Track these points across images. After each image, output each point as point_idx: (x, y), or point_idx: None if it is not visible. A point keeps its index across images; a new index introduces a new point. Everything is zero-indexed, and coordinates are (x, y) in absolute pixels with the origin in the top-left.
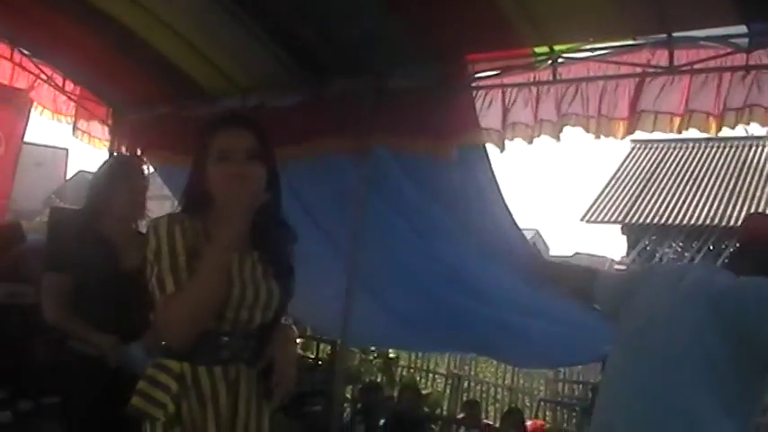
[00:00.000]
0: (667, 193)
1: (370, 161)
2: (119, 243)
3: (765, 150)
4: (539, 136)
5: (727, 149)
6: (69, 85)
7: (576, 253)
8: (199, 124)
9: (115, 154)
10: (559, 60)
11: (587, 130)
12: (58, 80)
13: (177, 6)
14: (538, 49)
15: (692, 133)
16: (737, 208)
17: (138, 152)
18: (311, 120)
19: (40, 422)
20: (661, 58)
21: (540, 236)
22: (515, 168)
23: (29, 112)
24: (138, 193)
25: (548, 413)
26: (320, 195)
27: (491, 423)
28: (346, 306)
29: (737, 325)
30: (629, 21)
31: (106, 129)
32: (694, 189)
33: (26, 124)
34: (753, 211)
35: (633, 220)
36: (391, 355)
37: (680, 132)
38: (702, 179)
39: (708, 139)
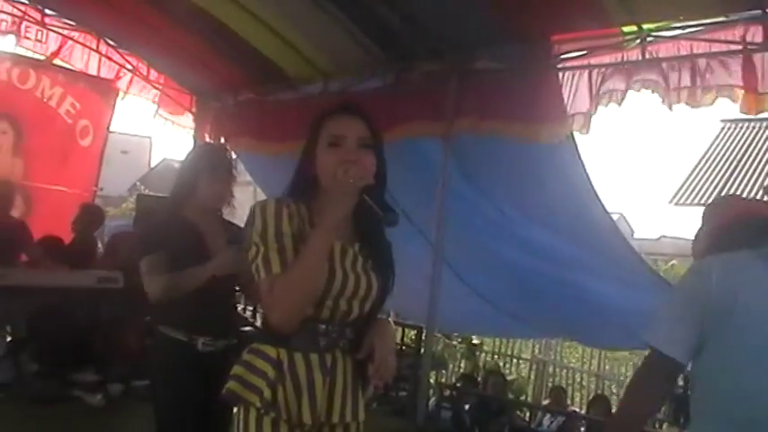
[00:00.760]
0: (759, 174)
1: (455, 145)
2: (205, 231)
3: None
4: (624, 115)
5: None
6: (153, 74)
7: (662, 236)
8: (281, 110)
9: (201, 142)
10: (648, 39)
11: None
12: (143, 70)
13: None
14: (626, 28)
15: None
16: None
17: (222, 139)
18: (394, 104)
19: (131, 405)
20: (756, 34)
21: (625, 219)
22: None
23: (115, 101)
24: (224, 183)
25: None
26: (404, 180)
27: (577, 410)
28: (432, 291)
29: None
30: None
31: (190, 116)
32: None
33: (112, 114)
34: None
35: None
36: (475, 341)
37: None
38: None
39: None
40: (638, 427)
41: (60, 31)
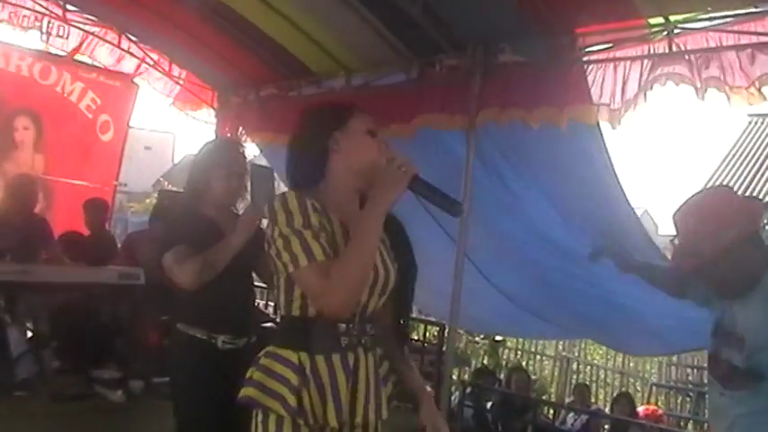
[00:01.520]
0: None
1: (479, 138)
2: (222, 225)
3: None
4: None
5: None
6: (175, 70)
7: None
8: (304, 105)
9: (214, 137)
10: (675, 31)
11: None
12: (165, 65)
13: None
14: (652, 20)
15: None
16: None
17: (243, 134)
18: (417, 98)
19: (152, 401)
20: None
21: (649, 215)
22: (628, 145)
23: (135, 96)
24: (237, 178)
25: (660, 398)
26: (425, 174)
27: (601, 407)
28: (455, 287)
29: None
30: None
31: (212, 111)
32: None
33: (132, 109)
34: None
35: None
36: (498, 338)
37: None
38: None
39: None
40: None
41: (82, 26)
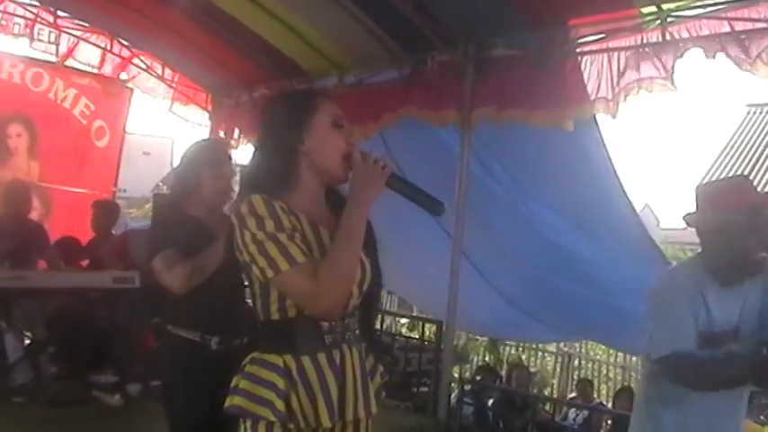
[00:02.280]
0: None
1: (474, 135)
2: (210, 226)
3: None
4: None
5: None
6: (168, 73)
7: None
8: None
9: (203, 138)
10: (668, 20)
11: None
12: (158, 69)
13: None
14: (645, 9)
15: None
16: None
17: (237, 135)
18: (411, 94)
19: (149, 405)
20: None
21: (650, 209)
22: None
23: (130, 101)
24: (227, 178)
25: None
26: (422, 171)
27: (603, 403)
28: (451, 284)
29: None
30: None
31: (206, 114)
32: None
33: (128, 114)
34: None
35: None
36: None
37: None
38: None
39: None
40: None
41: (73, 32)
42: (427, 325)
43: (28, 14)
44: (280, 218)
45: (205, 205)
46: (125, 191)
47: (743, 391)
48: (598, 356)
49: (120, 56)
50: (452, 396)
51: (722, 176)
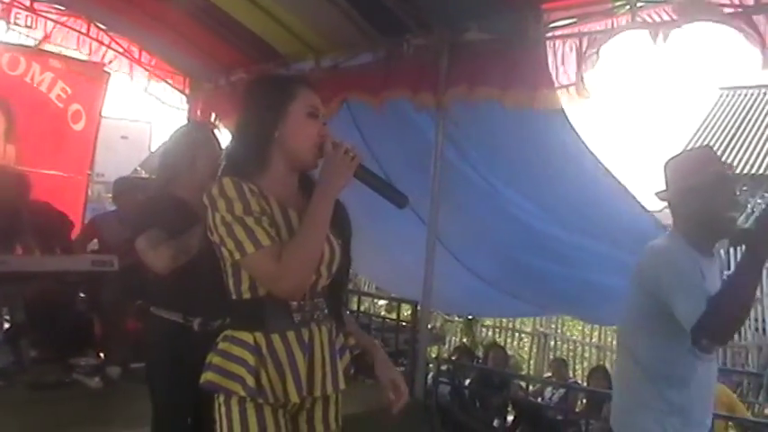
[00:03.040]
0: (759, 141)
1: (448, 119)
2: (194, 207)
3: None
4: (622, 87)
5: None
6: (146, 57)
7: (665, 207)
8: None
9: (189, 121)
10: (639, 5)
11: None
12: (135, 52)
13: None
14: None
15: None
16: None
17: (214, 119)
18: (386, 77)
19: (129, 387)
20: None
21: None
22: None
23: (107, 85)
24: (217, 160)
25: None
26: (395, 155)
27: (579, 382)
28: (426, 266)
29: None
30: None
31: (184, 98)
32: None
33: (104, 97)
34: None
35: None
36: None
37: None
38: None
39: None
40: None
41: (50, 16)
42: (404, 306)
43: None
44: (248, 200)
45: (194, 186)
46: (103, 175)
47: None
48: (574, 337)
49: (97, 40)
50: (429, 376)
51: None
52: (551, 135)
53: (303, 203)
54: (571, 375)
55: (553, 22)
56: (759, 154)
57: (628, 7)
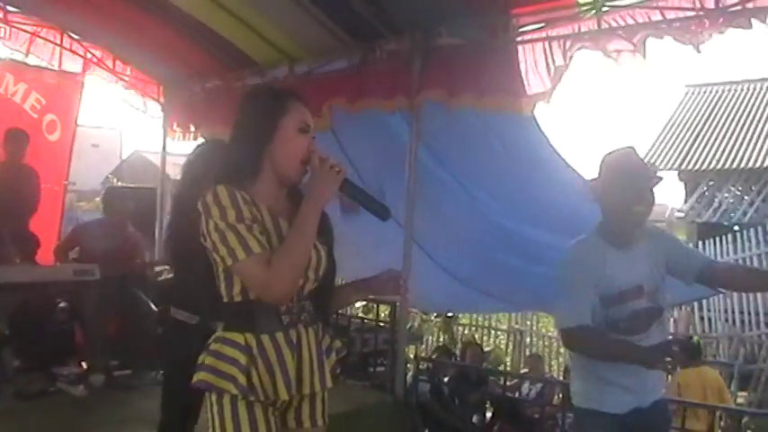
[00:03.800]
0: (724, 137)
1: (423, 124)
2: None
3: None
4: (584, 85)
5: None
6: (120, 66)
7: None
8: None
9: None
10: (604, 9)
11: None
12: (109, 61)
13: None
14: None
15: (748, 74)
16: None
17: (190, 125)
18: (360, 82)
19: (113, 395)
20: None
21: None
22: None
23: (81, 94)
24: None
25: None
26: (371, 158)
27: (555, 376)
28: (404, 268)
29: None
30: None
31: (159, 106)
32: (752, 131)
33: (79, 107)
34: None
35: (690, 166)
36: (450, 315)
37: None
38: (760, 121)
39: (764, 79)
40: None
41: (24, 27)
42: (382, 307)
43: None
44: (241, 208)
45: None
46: (74, 184)
47: (657, 338)
48: (549, 333)
49: (70, 50)
50: (409, 375)
51: (660, 154)
52: (521, 137)
53: (292, 212)
54: (547, 370)
55: (522, 26)
56: (725, 149)
57: (594, 11)
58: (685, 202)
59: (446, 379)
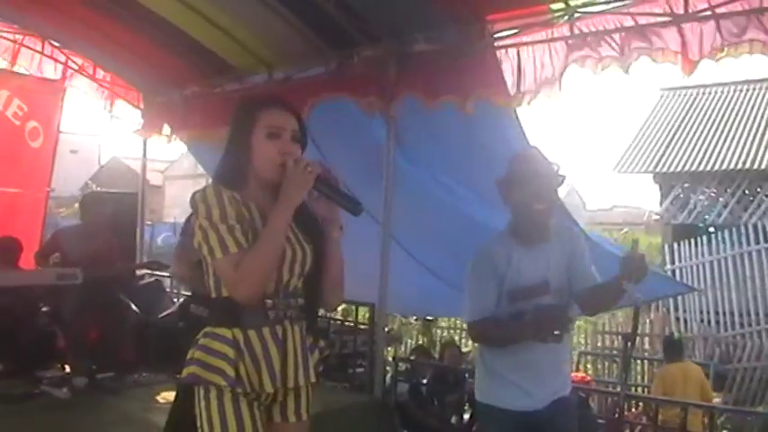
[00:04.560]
0: (698, 139)
1: (400, 124)
2: None
3: None
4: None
5: (756, 92)
6: (100, 73)
7: (614, 206)
8: (228, 101)
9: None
10: (576, 15)
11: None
12: (89, 69)
13: None
14: (554, 6)
15: (721, 77)
16: None
17: (169, 132)
18: (337, 88)
19: (96, 397)
20: (677, 5)
21: (577, 192)
22: (548, 124)
23: (62, 102)
24: None
25: (588, 365)
26: (349, 160)
27: None
28: (382, 267)
29: None
30: None
31: (138, 112)
32: (725, 133)
33: (61, 114)
34: None
35: (665, 168)
36: (429, 318)
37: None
38: (733, 123)
39: (737, 83)
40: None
41: (5, 34)
42: (361, 309)
43: None
44: (225, 207)
45: None
46: (53, 190)
47: (565, 340)
48: None
49: (52, 57)
50: (388, 376)
51: (635, 156)
52: (500, 137)
53: None
54: None
55: (497, 32)
56: (699, 152)
57: (566, 17)
58: (660, 204)
59: (424, 380)
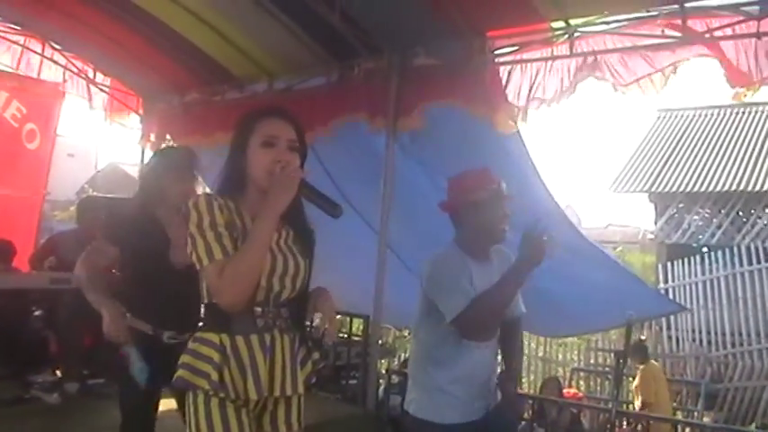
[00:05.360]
0: (694, 160)
1: (398, 135)
2: (165, 222)
3: None
4: (558, 107)
5: (752, 115)
6: (100, 77)
7: (609, 224)
8: (228, 108)
9: (166, 146)
10: (576, 34)
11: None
12: (89, 72)
13: None
14: (555, 24)
15: (717, 100)
16: (764, 173)
17: (168, 138)
18: (338, 100)
19: (87, 402)
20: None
21: (573, 209)
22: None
23: (61, 105)
24: (189, 182)
25: (581, 382)
26: (349, 170)
27: (524, 393)
28: (378, 279)
29: None
30: None
31: (137, 117)
32: (721, 155)
33: (59, 117)
34: None
35: (660, 189)
36: None
37: None
38: (728, 145)
39: (733, 106)
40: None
41: (5, 35)
42: (355, 321)
43: None
44: (215, 215)
45: (168, 209)
46: (49, 193)
47: (494, 347)
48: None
49: (52, 60)
50: (381, 388)
51: (631, 176)
52: (501, 151)
53: (279, 222)
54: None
55: (498, 48)
56: (694, 172)
57: (566, 36)
58: (655, 223)
59: None
